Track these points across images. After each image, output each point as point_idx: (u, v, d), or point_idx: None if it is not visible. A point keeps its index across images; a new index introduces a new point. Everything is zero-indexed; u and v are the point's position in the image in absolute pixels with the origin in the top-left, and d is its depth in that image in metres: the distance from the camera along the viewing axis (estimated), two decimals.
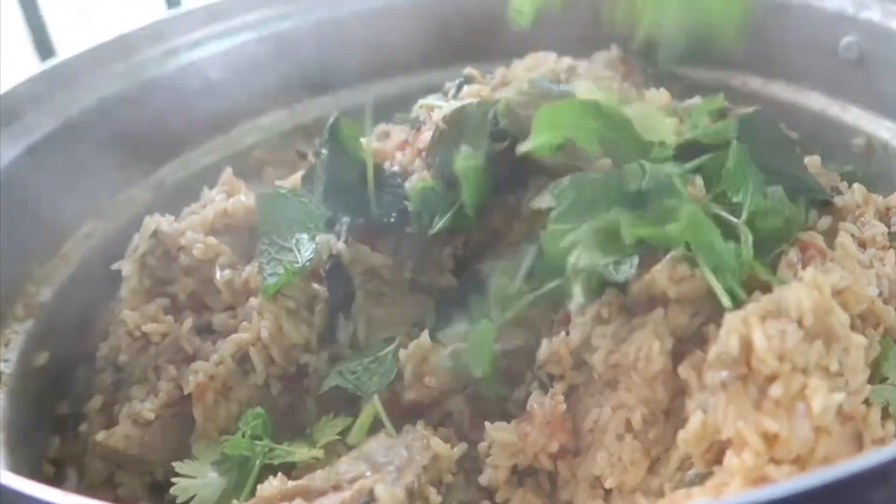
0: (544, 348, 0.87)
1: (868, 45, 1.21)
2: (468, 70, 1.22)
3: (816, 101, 1.31)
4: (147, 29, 1.24)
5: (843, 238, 0.85)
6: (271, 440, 0.88)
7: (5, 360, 0.94)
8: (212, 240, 1.00)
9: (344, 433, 0.87)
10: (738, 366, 0.71)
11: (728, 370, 0.71)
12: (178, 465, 0.87)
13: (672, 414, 0.80)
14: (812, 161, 1.01)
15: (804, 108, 1.31)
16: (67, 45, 1.54)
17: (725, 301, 0.75)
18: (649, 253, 0.80)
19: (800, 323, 0.72)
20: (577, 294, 0.82)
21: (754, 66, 1.38)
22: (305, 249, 0.94)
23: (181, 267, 1.00)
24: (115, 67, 1.19)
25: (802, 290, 0.73)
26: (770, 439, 0.68)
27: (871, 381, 0.80)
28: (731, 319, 0.72)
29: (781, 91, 1.35)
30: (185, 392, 0.91)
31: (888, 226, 0.93)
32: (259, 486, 0.76)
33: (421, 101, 1.12)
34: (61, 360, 1.03)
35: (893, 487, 0.45)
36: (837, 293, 0.79)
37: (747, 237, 0.81)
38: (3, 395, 0.90)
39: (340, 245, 0.98)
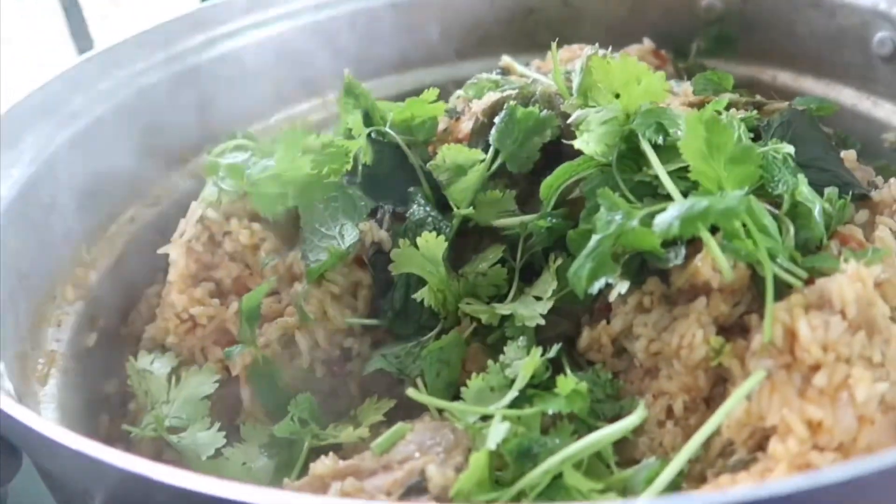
0: (585, 336, 0.90)
1: None
2: (504, 61, 1.24)
3: (847, 97, 1.32)
4: (186, 18, 1.26)
5: (882, 232, 0.87)
6: (317, 424, 0.90)
7: (57, 341, 0.96)
8: (256, 226, 1.02)
9: (374, 429, 0.89)
10: (783, 355, 0.73)
11: (772, 359, 0.73)
12: (228, 452, 0.89)
13: (713, 401, 0.82)
14: (848, 155, 1.02)
15: (835, 104, 1.31)
16: (101, 35, 1.54)
17: (794, 282, 0.76)
18: (692, 242, 0.82)
19: (843, 314, 0.73)
20: (619, 282, 0.84)
21: (785, 61, 1.39)
22: (349, 235, 0.96)
23: (226, 252, 1.02)
24: (155, 56, 1.21)
25: (845, 281, 0.74)
26: (814, 427, 0.70)
27: None
28: (776, 309, 0.74)
29: (812, 86, 1.36)
30: (233, 374, 0.94)
31: None
32: (311, 465, 0.79)
33: (471, 81, 1.14)
34: (108, 341, 1.05)
35: None
36: (877, 286, 0.81)
37: (789, 228, 0.82)
38: (57, 373, 0.93)
39: (382, 233, 1.00)
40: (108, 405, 1.02)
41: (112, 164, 1.14)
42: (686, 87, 1.15)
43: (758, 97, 1.20)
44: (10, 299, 0.89)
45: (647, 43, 1.37)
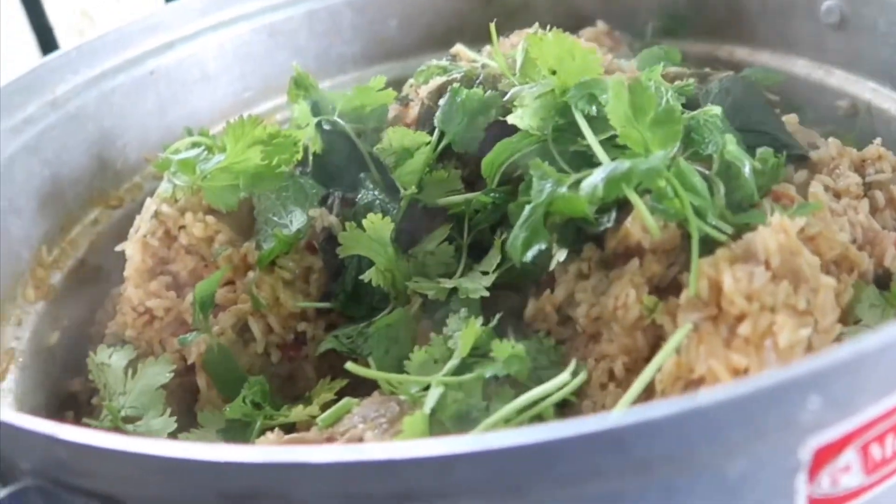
0: (530, 306, 0.91)
1: (848, 8, 1.24)
2: (456, 48, 1.25)
3: (801, 67, 1.33)
4: (143, 22, 1.28)
5: (815, 187, 0.88)
6: (270, 406, 0.92)
7: (17, 338, 0.98)
8: (210, 218, 1.04)
9: (326, 408, 0.90)
10: (709, 307, 0.74)
11: (699, 312, 0.74)
12: (182, 437, 0.91)
13: None
14: (790, 119, 1.03)
15: (790, 74, 1.33)
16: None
17: (719, 236, 0.78)
18: (625, 206, 0.83)
19: (767, 264, 0.74)
20: (557, 250, 0.86)
21: (740, 36, 1.41)
22: (297, 220, 0.98)
23: (182, 245, 1.03)
24: (113, 60, 1.23)
25: (769, 233, 0.75)
26: (740, 374, 0.71)
27: (846, 323, 0.83)
28: (702, 264, 0.75)
29: (768, 59, 1.38)
30: (189, 362, 0.96)
31: (863, 177, 0.95)
32: (257, 441, 0.80)
33: (421, 69, 1.16)
34: (73, 341, 1.07)
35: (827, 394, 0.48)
36: (810, 239, 0.82)
37: (719, 188, 0.84)
38: (16, 370, 0.95)
39: (332, 218, 1.02)
40: (74, 402, 1.04)
41: (72, 168, 1.16)
42: (632, 64, 1.17)
43: (707, 70, 1.21)
44: None
45: (601, 25, 1.39)
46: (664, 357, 0.74)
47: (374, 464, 0.46)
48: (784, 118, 1.04)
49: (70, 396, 1.04)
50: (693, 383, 0.74)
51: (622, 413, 0.46)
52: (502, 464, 0.45)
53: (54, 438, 0.54)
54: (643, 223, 0.80)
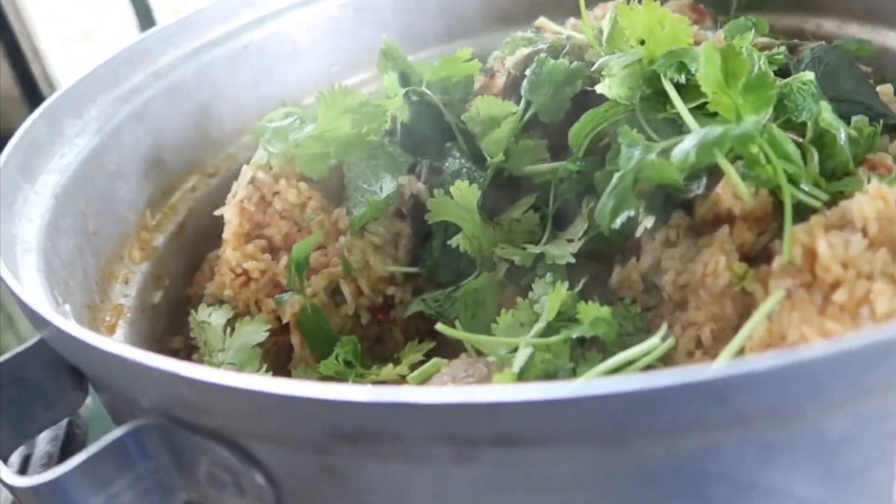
0: (616, 274, 0.92)
1: None
2: (540, 20, 1.26)
3: (894, 40, 1.29)
4: None
5: None
6: (361, 365, 0.95)
7: (125, 296, 1.04)
8: (303, 185, 1.08)
9: (415, 368, 0.92)
10: (803, 274, 0.74)
11: (792, 278, 0.74)
12: None
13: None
14: (884, 89, 1.01)
15: (882, 47, 1.29)
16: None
17: (814, 203, 0.77)
18: (714, 173, 0.83)
19: (864, 232, 0.74)
20: (645, 217, 0.86)
21: (828, 8, 1.37)
22: (387, 187, 1.01)
23: (276, 211, 1.08)
24: (209, 34, 1.28)
25: (866, 200, 0.75)
26: None
27: None
28: (796, 231, 0.75)
29: (857, 32, 1.34)
30: (284, 321, 1.00)
31: None
32: None
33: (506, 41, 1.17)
34: (173, 301, 1.13)
35: None
36: None
37: (813, 156, 0.83)
38: (125, 325, 1.00)
39: (420, 185, 1.05)
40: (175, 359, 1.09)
41: (173, 137, 1.22)
42: (719, 34, 1.16)
43: (796, 41, 1.19)
44: (78, 254, 0.97)
45: None
46: (756, 322, 0.74)
47: (479, 406, 0.49)
48: (878, 88, 1.02)
49: (171, 353, 1.10)
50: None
51: (724, 364, 0.47)
52: (606, 410, 0.47)
53: (178, 376, 0.58)
54: (734, 190, 0.80)
